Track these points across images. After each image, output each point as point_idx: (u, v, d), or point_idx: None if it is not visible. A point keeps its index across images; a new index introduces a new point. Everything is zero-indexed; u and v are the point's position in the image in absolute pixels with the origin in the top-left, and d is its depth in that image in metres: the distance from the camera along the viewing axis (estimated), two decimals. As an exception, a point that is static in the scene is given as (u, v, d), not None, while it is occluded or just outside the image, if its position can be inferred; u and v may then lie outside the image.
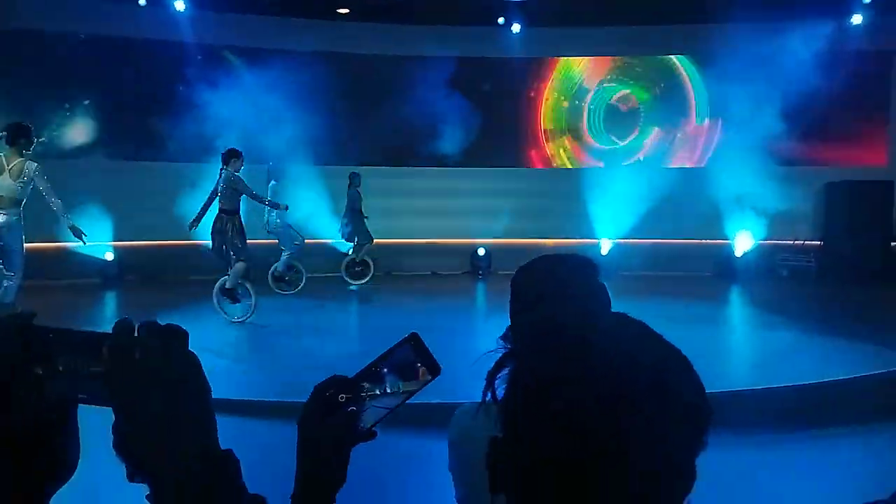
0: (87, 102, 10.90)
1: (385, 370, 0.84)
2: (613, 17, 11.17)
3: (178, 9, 10.38)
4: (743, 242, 11.58)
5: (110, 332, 0.67)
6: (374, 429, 0.84)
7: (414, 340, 0.86)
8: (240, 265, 7.33)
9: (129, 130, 10.75)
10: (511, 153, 12.63)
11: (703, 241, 11.63)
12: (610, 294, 1.36)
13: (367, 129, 11.27)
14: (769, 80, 10.01)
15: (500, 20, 11.74)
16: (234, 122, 9.62)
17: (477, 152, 11.91)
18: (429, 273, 11.93)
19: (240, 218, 7.50)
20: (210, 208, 7.45)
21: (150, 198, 9.98)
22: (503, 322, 1.33)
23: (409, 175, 11.81)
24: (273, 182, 8.88)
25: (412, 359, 0.85)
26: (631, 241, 11.67)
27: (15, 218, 6.02)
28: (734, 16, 9.47)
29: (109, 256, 10.50)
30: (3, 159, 6.05)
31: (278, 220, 8.71)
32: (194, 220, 7.46)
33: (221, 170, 7.45)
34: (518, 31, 11.90)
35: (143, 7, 10.30)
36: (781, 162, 10.84)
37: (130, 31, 10.44)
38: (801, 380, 5.22)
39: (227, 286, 7.40)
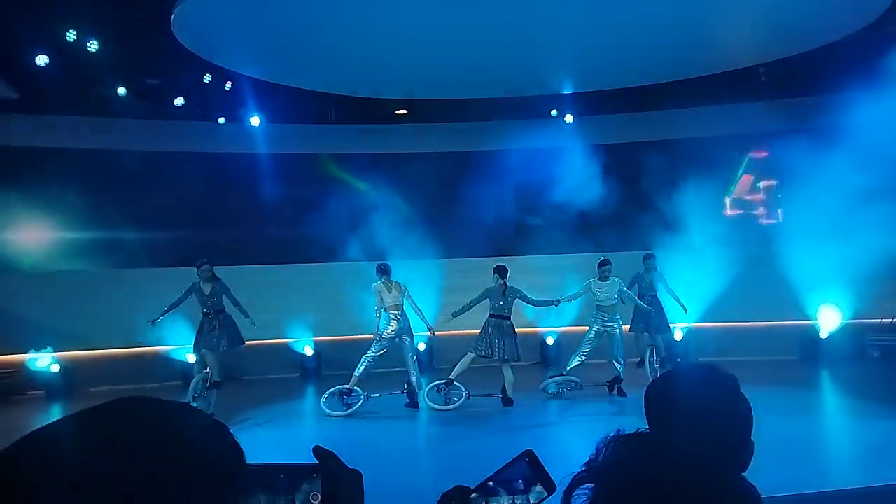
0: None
1: (502, 485, 0.88)
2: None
3: (253, 124, 11.19)
4: (828, 322, 10.99)
5: (303, 463, 0.77)
6: None
7: (529, 457, 0.90)
8: None
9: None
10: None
11: (786, 322, 11.12)
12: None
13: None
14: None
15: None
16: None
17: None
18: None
19: None
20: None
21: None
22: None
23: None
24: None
25: (528, 475, 0.89)
26: (707, 325, 11.21)
27: (406, 322, 8.35)
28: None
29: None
30: (385, 284, 8.34)
31: None
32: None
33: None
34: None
35: (223, 125, 11.18)
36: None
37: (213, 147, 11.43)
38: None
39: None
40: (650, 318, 9.23)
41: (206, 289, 8.11)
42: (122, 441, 0.59)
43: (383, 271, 8.46)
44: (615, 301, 8.92)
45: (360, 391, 8.25)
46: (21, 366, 10.43)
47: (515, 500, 0.87)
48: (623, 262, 9.51)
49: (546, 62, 9.78)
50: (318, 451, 0.82)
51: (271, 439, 7.15)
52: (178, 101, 10.05)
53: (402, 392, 8.39)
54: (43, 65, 8.46)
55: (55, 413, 9.80)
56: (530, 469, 0.89)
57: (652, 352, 9.31)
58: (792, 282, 10.56)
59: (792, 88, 10.98)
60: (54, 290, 10.48)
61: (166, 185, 11.08)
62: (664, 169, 11.23)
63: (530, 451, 0.91)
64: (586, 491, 0.76)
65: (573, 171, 11.32)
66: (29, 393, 10.41)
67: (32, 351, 10.33)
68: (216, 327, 8.00)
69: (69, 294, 10.45)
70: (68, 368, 10.55)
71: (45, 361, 10.47)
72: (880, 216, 9.15)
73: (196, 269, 8.15)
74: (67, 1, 7.37)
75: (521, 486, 0.88)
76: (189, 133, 11.21)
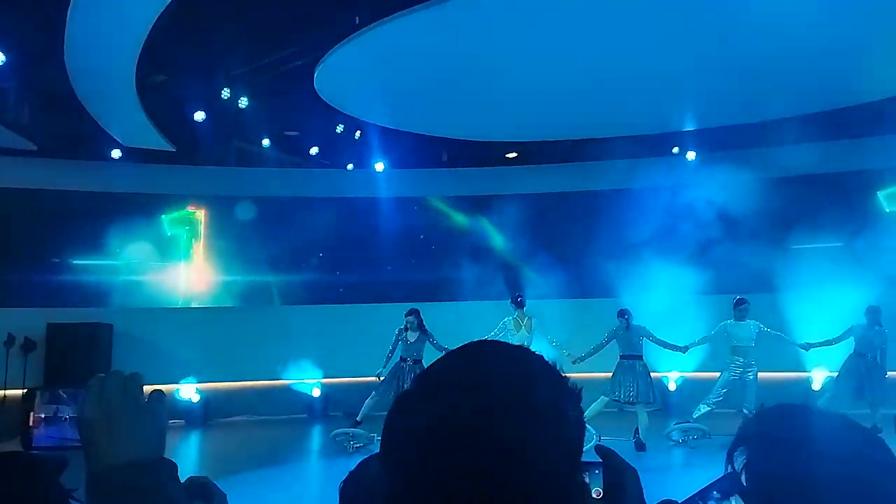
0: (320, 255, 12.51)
1: (708, 499, 0.95)
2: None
3: (377, 170, 11.81)
4: None
5: (584, 460, 0.81)
6: None
7: (731, 478, 0.98)
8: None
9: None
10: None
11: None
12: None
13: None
14: None
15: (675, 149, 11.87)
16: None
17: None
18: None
19: None
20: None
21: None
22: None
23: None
24: None
25: (729, 490, 0.95)
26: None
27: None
28: None
29: (316, 392, 11.41)
30: (517, 319, 8.26)
31: None
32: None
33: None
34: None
35: (350, 171, 11.89)
36: None
37: (340, 191, 12.12)
38: None
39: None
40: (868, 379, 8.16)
41: (412, 337, 8.25)
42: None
43: (519, 304, 8.43)
44: (752, 344, 8.48)
45: None
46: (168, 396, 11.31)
47: None
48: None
49: (666, 99, 9.71)
50: (599, 448, 0.88)
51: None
52: (314, 150, 10.82)
53: None
54: (200, 120, 9.39)
55: (193, 441, 10.55)
56: (731, 486, 0.96)
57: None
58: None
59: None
60: (197, 325, 11.37)
61: (301, 228, 11.85)
62: (795, 205, 10.72)
63: (733, 473, 0.98)
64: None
65: (694, 209, 11.01)
66: (170, 422, 11.23)
67: (180, 382, 11.20)
68: (407, 379, 8.10)
69: (211, 329, 11.30)
70: (206, 399, 11.33)
71: (189, 392, 11.31)
72: None
73: (404, 318, 8.34)
74: (224, 61, 8.21)
75: (720, 498, 0.95)
76: (322, 179, 11.99)
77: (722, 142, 11.29)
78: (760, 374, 8.63)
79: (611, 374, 8.41)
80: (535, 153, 12.21)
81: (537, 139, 11.68)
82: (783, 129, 10.49)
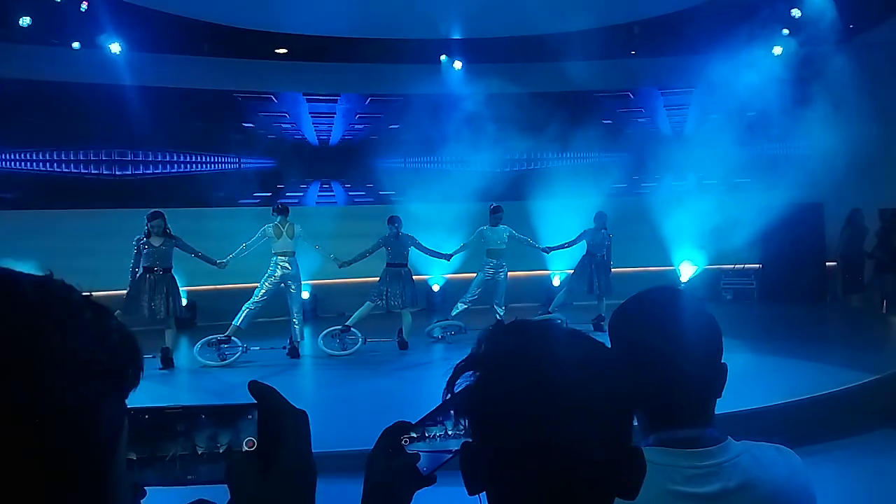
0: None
1: (444, 418, 0.89)
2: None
3: (113, 51, 10.05)
4: (687, 269, 11.98)
5: (234, 404, 0.67)
6: (434, 474, 0.89)
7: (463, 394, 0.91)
8: None
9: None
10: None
11: (648, 268, 11.97)
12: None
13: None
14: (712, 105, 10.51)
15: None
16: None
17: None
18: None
19: None
20: None
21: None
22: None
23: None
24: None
25: (461, 411, 0.90)
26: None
27: (296, 269, 8.00)
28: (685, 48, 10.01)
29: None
30: (278, 226, 7.96)
31: None
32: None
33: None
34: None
35: (76, 50, 9.95)
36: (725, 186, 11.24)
37: (67, 75, 10.10)
38: (755, 403, 5.40)
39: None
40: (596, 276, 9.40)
41: (157, 242, 7.46)
42: None
43: (281, 211, 8.01)
44: (504, 246, 9.19)
45: (239, 342, 7.90)
46: None
47: (448, 430, 0.90)
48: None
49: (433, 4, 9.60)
50: (255, 387, 0.67)
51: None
52: (25, 21, 8.78)
53: (284, 348, 8.13)
54: None
55: None
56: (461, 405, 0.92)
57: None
58: (659, 232, 11.37)
59: (661, 46, 11.54)
60: None
61: (10, 117, 9.82)
62: (546, 121, 11.57)
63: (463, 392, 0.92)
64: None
65: (459, 118, 11.34)
66: None
67: None
68: (159, 290, 7.42)
69: None
70: None
71: None
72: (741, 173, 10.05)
73: (147, 222, 7.51)
74: None
75: (454, 418, 0.90)
76: (37, 58, 9.86)
77: (488, 53, 11.62)
78: (510, 274, 9.47)
79: (377, 279, 8.53)
80: (307, 49, 11.42)
81: (309, 34, 10.89)
82: (546, 46, 11.08)
